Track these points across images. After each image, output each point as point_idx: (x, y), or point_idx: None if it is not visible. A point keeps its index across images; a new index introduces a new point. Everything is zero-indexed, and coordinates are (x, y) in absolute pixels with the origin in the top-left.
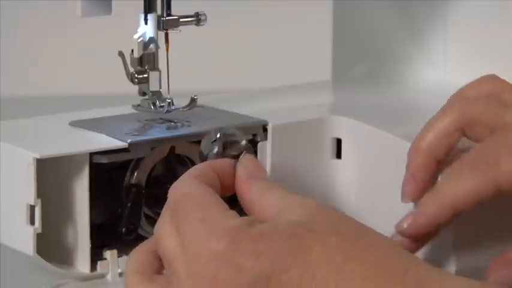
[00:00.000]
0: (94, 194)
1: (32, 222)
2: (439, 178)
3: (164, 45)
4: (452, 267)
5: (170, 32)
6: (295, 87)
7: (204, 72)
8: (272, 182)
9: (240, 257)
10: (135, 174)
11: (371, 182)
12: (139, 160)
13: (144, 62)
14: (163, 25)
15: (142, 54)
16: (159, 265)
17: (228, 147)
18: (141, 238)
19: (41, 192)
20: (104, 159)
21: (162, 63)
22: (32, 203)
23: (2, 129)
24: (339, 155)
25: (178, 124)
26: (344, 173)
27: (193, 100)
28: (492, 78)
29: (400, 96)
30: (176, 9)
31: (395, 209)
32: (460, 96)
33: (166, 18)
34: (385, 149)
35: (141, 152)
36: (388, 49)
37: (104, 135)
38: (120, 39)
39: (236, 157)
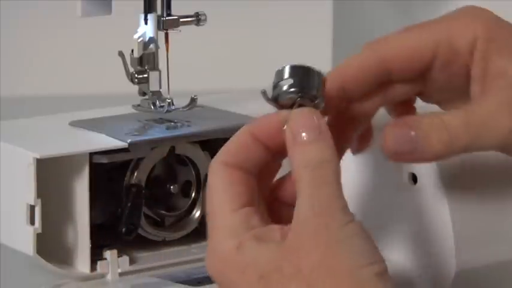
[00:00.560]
0: (94, 194)
1: (32, 222)
2: None
3: (164, 45)
4: (452, 267)
5: (170, 32)
6: None
7: (204, 72)
8: (313, 152)
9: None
10: (135, 174)
11: (371, 182)
12: (139, 160)
13: (144, 62)
14: (163, 25)
15: (142, 54)
16: None
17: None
18: (141, 238)
19: (41, 192)
20: (104, 159)
21: (162, 63)
22: (32, 203)
23: (2, 129)
24: None
25: (178, 124)
26: (344, 173)
27: (193, 100)
28: None
29: None
30: (176, 9)
31: (395, 209)
32: None
33: (166, 18)
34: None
35: (141, 152)
36: None
37: (104, 135)
38: (120, 39)
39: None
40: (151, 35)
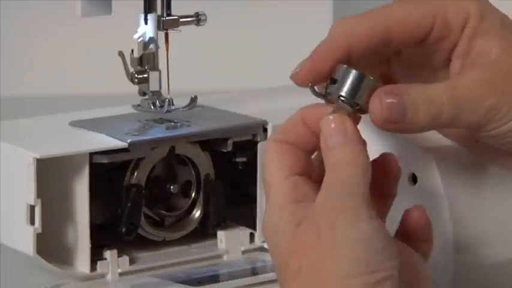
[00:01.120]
0: (94, 194)
1: (32, 222)
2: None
3: (164, 45)
4: (452, 267)
5: (170, 32)
6: (295, 87)
7: (204, 72)
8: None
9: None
10: (135, 174)
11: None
12: (139, 160)
13: (144, 62)
14: (163, 25)
15: (142, 54)
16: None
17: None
18: (141, 238)
19: (41, 192)
20: (104, 159)
21: (162, 63)
22: (32, 203)
23: (2, 129)
24: None
25: (178, 124)
26: None
27: (193, 100)
28: None
29: None
30: (176, 9)
31: (395, 209)
32: None
33: (166, 18)
34: (386, 149)
35: (141, 152)
36: None
37: (104, 135)
38: (120, 39)
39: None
40: (151, 35)
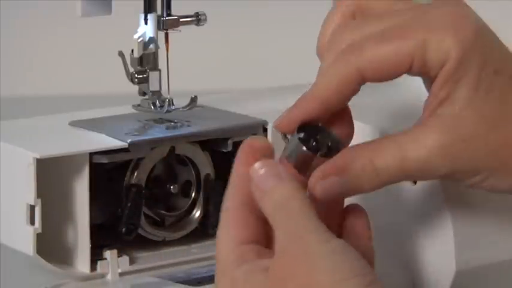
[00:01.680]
0: (94, 194)
1: (32, 222)
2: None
3: (164, 45)
4: (452, 267)
5: (170, 32)
6: (295, 87)
7: (204, 72)
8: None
9: None
10: (135, 174)
11: None
12: (139, 160)
13: (144, 62)
14: (163, 25)
15: (142, 54)
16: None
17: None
18: (141, 238)
19: (41, 192)
20: (104, 159)
21: (162, 63)
22: (32, 203)
23: (2, 129)
24: None
25: (178, 124)
26: None
27: (193, 100)
28: None
29: (400, 96)
30: (176, 9)
31: (395, 209)
32: None
33: (166, 18)
34: None
35: (141, 152)
36: None
37: (104, 135)
38: (120, 39)
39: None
40: (151, 35)
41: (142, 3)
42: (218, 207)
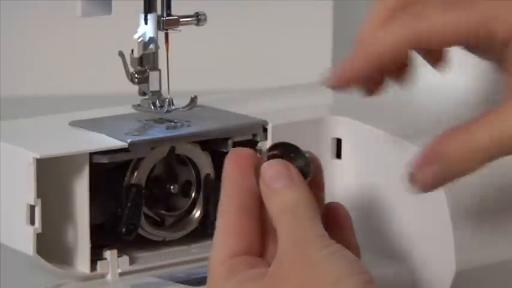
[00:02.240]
0: (94, 194)
1: (32, 222)
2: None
3: (164, 45)
4: (452, 267)
5: (170, 32)
6: (295, 87)
7: (204, 72)
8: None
9: None
10: (135, 174)
11: (371, 181)
12: (139, 160)
13: (144, 62)
14: (163, 25)
15: (142, 54)
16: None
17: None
18: (141, 238)
19: (41, 192)
20: (104, 159)
21: (162, 63)
22: (32, 203)
23: (2, 129)
24: (339, 155)
25: (178, 124)
26: (344, 173)
27: (193, 100)
28: None
29: (400, 96)
30: (176, 9)
31: (395, 209)
32: None
33: (166, 18)
34: (385, 149)
35: (141, 152)
36: None
37: (104, 135)
38: (120, 39)
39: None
40: (151, 35)
41: (142, 3)
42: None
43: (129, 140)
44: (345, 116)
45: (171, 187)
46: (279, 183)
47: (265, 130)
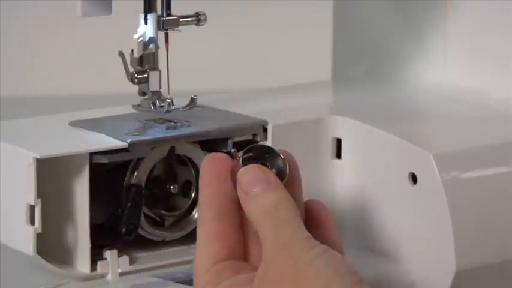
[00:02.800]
0: (94, 194)
1: (32, 222)
2: None
3: (164, 45)
4: (452, 267)
5: (170, 32)
6: (295, 87)
7: (204, 72)
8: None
9: None
10: (135, 174)
11: (371, 181)
12: (139, 160)
13: (144, 62)
14: (163, 25)
15: (142, 54)
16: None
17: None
18: (141, 238)
19: (41, 192)
20: (104, 159)
21: (162, 63)
22: (32, 203)
23: (2, 129)
24: (339, 155)
25: (178, 124)
26: (344, 173)
27: (193, 100)
28: None
29: (400, 96)
30: (176, 9)
31: (395, 209)
32: None
33: (166, 18)
34: (385, 149)
35: (141, 152)
36: (388, 49)
37: (104, 135)
38: (120, 39)
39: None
40: (151, 35)
41: (142, 3)
42: None
43: (129, 140)
44: (345, 116)
45: (171, 187)
46: (256, 188)
47: (265, 130)
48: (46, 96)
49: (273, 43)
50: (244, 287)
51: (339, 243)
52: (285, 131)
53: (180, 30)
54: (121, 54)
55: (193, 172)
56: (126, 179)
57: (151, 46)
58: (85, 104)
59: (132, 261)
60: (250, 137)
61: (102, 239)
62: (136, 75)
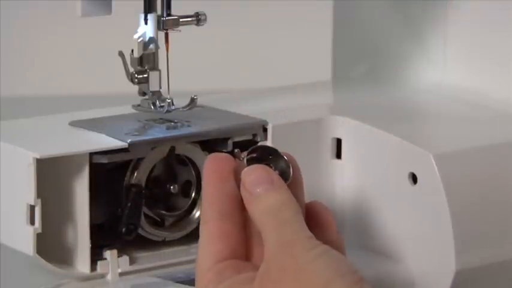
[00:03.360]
0: (94, 194)
1: (32, 222)
2: None
3: (164, 45)
4: (452, 267)
5: (170, 32)
6: (295, 87)
7: (204, 72)
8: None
9: None
10: (135, 174)
11: (371, 181)
12: (139, 160)
13: (144, 62)
14: (163, 25)
15: (142, 54)
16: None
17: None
18: (141, 238)
19: (41, 192)
20: (104, 159)
21: (162, 63)
22: (32, 203)
23: (2, 129)
24: (339, 155)
25: (178, 124)
26: (344, 173)
27: (193, 100)
28: None
29: (400, 96)
30: (176, 9)
31: (395, 209)
32: None
33: (166, 18)
34: (385, 149)
35: (141, 152)
36: (388, 49)
37: (104, 135)
38: (120, 39)
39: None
40: (151, 35)
41: (142, 3)
42: None
43: (129, 140)
44: (345, 116)
45: (171, 187)
46: (260, 188)
47: (265, 130)
48: (46, 96)
49: (273, 43)
50: (246, 286)
51: (340, 242)
52: (285, 131)
53: (180, 30)
54: (121, 54)
55: (193, 172)
56: (126, 179)
57: (151, 46)
58: (85, 104)
59: (132, 261)
60: (250, 137)
61: (102, 239)
62: (136, 75)
